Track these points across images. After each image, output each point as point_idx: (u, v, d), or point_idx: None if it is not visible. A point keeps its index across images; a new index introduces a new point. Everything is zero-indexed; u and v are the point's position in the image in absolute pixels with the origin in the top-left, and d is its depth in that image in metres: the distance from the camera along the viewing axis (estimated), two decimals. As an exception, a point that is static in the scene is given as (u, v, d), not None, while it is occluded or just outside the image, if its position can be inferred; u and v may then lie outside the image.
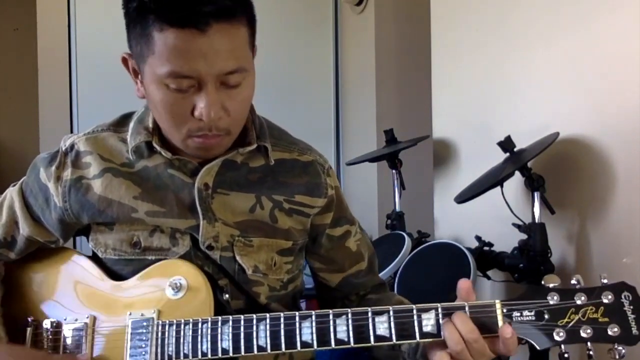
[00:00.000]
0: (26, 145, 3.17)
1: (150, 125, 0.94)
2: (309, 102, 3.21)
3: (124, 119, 1.00)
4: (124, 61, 0.91)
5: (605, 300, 0.76)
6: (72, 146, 0.97)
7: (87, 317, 0.92)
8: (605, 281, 0.78)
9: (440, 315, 0.79)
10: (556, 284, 0.78)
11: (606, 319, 0.75)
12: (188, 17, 0.78)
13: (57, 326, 0.93)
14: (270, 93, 2.89)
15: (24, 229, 0.98)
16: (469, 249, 1.65)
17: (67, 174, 0.95)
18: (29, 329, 0.94)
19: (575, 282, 0.78)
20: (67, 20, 2.87)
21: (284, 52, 3.10)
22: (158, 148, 0.93)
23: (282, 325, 0.82)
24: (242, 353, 0.83)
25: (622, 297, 0.76)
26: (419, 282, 1.72)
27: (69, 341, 0.91)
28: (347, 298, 1.09)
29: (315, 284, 1.11)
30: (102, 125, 0.99)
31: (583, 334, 0.75)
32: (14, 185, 1.02)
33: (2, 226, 0.99)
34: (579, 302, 0.76)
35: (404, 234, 1.96)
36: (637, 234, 1.37)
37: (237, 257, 0.95)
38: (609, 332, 0.75)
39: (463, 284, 0.81)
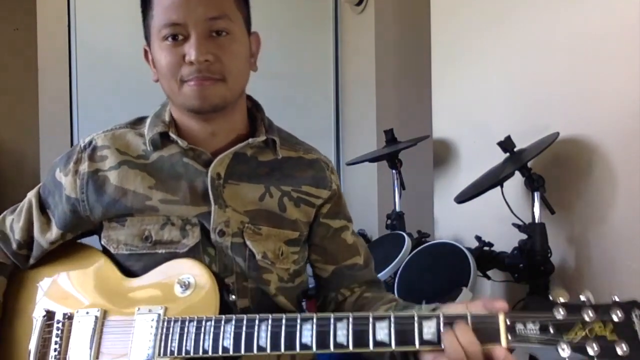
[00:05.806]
0: (26, 146, 3.17)
1: (167, 118, 1.01)
2: (309, 102, 3.21)
3: (140, 119, 1.07)
4: (145, 54, 1.02)
5: (614, 317, 0.72)
6: (90, 142, 1.02)
7: (98, 310, 0.95)
8: (616, 298, 0.74)
9: (441, 324, 0.77)
10: (564, 299, 0.74)
11: (615, 337, 0.71)
12: None
13: (70, 317, 0.96)
14: (270, 93, 2.87)
15: (38, 230, 1.02)
16: (469, 249, 1.65)
17: (84, 167, 1.00)
18: (40, 320, 0.97)
19: (585, 299, 0.74)
20: (67, 20, 2.87)
21: (284, 52, 3.09)
22: (175, 137, 0.98)
23: (283, 327, 0.83)
24: (242, 352, 0.84)
25: (633, 315, 0.72)
26: (419, 282, 1.72)
27: (78, 332, 0.94)
28: (339, 291, 1.08)
29: (314, 277, 1.13)
30: (119, 124, 1.06)
31: (590, 351, 0.71)
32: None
33: (20, 229, 1.04)
34: (586, 317, 0.73)
35: (404, 234, 1.96)
36: (637, 233, 1.37)
37: (248, 243, 0.98)
38: (617, 351, 0.71)
39: (500, 305, 0.77)
